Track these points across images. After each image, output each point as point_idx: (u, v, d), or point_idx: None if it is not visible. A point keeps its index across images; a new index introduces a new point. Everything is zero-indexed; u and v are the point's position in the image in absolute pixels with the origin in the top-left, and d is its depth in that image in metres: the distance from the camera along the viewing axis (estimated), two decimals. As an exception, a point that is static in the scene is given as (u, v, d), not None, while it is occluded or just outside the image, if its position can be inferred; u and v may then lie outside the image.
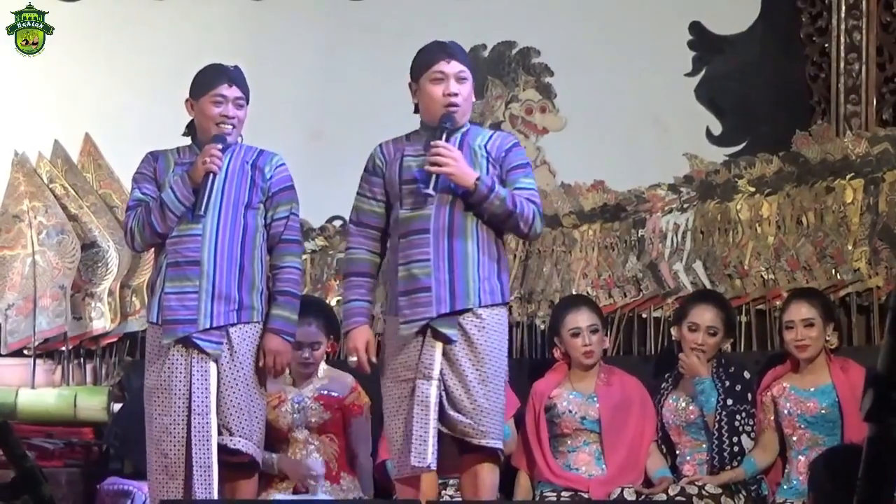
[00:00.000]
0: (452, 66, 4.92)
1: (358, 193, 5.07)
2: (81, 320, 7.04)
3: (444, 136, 4.86)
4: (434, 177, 4.80)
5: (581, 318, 5.94)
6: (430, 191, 4.80)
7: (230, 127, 5.11)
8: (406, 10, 7.29)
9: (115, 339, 7.04)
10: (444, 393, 4.80)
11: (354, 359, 4.99)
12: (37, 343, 6.99)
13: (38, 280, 7.02)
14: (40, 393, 6.86)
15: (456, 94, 4.90)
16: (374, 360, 4.98)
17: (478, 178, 4.80)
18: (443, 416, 4.80)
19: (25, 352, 7.02)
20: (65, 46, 7.28)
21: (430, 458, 4.75)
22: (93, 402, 6.74)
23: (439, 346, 4.80)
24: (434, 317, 4.79)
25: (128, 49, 7.39)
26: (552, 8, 7.27)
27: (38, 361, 7.00)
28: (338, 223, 7.17)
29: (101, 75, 7.36)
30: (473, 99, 5.03)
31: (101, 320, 7.04)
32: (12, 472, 3.20)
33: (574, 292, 6.59)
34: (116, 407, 6.65)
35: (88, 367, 7.05)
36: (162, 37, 7.34)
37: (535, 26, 7.30)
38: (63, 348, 7.00)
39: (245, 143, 5.23)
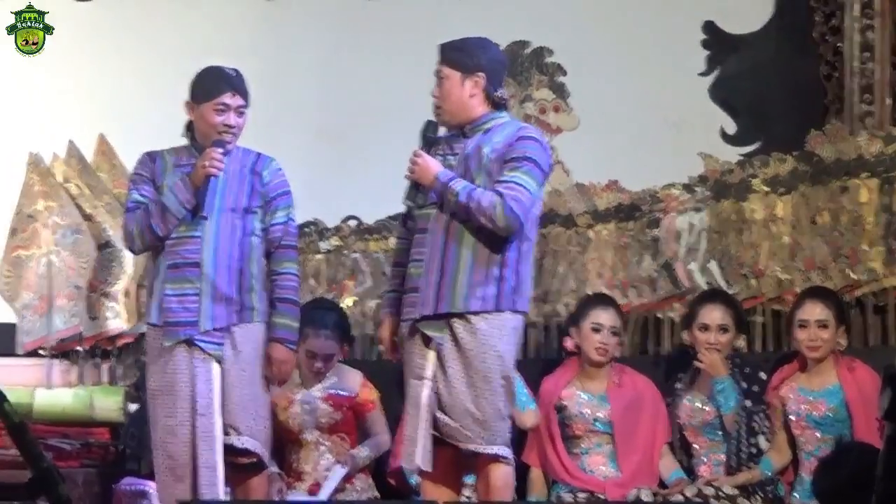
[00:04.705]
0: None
1: None
2: (97, 320, 7.04)
3: (424, 145, 4.90)
4: (409, 185, 4.86)
5: (606, 317, 5.92)
6: (408, 201, 4.88)
7: (231, 136, 5.12)
8: (420, 10, 7.30)
9: (130, 340, 7.03)
10: (435, 395, 4.78)
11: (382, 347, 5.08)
12: (52, 343, 7.00)
13: (54, 280, 7.03)
14: (56, 393, 6.86)
15: (435, 97, 4.93)
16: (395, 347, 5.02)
17: (436, 175, 4.79)
18: (435, 418, 4.78)
19: (41, 352, 7.03)
20: (78, 46, 7.29)
21: (419, 459, 4.73)
22: (109, 403, 6.75)
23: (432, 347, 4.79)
24: (417, 318, 4.79)
25: (142, 49, 7.40)
26: (565, 7, 7.26)
27: (55, 361, 7.00)
28: (353, 223, 7.16)
29: (114, 75, 7.36)
30: (466, 94, 4.90)
31: (116, 320, 7.04)
32: (29, 473, 3.21)
33: (589, 293, 6.55)
34: (133, 407, 6.65)
35: (104, 367, 7.05)
36: (175, 36, 7.34)
37: (548, 26, 7.29)
38: (79, 348, 7.01)
39: (242, 146, 5.21)
